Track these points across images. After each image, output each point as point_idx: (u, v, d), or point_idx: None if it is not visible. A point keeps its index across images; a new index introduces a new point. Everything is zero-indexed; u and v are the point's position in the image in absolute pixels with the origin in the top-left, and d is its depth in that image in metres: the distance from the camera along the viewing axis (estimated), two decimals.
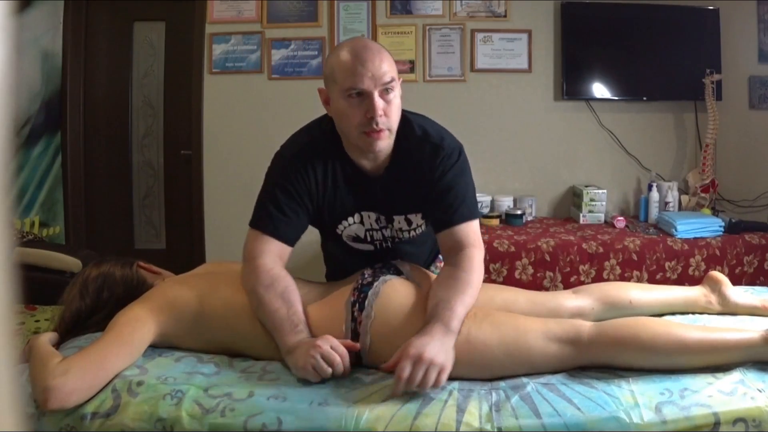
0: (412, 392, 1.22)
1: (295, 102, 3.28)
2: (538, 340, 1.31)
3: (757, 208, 3.16)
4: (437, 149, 1.44)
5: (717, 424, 1.14)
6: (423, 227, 1.54)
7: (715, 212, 3.14)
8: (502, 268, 2.81)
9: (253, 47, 3.43)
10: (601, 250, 2.82)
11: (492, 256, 2.79)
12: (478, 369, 1.30)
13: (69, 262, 2.59)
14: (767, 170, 3.14)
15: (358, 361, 1.36)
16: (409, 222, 1.51)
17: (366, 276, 1.43)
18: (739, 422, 1.14)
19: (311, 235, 1.68)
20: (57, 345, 1.40)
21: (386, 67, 1.35)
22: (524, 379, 1.28)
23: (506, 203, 3.31)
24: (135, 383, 1.25)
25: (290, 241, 1.44)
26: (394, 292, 1.39)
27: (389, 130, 1.38)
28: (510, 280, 2.77)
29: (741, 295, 1.66)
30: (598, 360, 1.31)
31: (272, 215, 1.42)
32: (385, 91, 1.35)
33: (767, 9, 3.10)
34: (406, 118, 1.46)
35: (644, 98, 3.39)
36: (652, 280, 2.79)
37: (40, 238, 3.29)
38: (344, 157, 1.45)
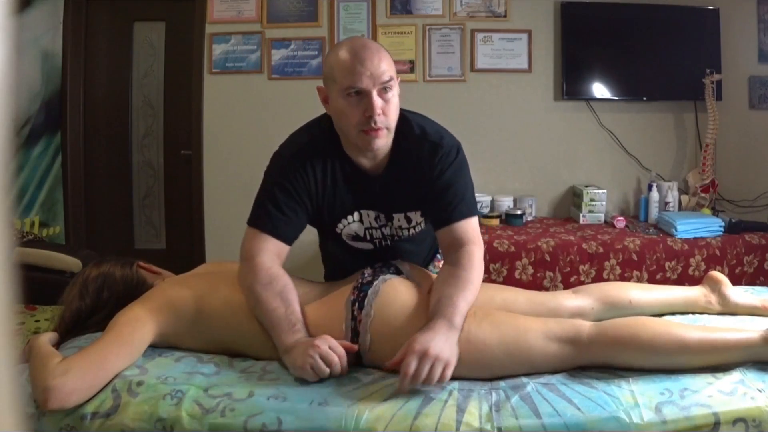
0: (416, 390, 1.22)
1: (295, 102, 3.28)
2: (538, 339, 1.31)
3: (757, 208, 3.16)
4: (436, 147, 1.45)
5: (717, 424, 1.13)
6: (422, 225, 1.54)
7: (715, 212, 3.14)
8: (502, 268, 2.81)
9: (253, 47, 3.43)
10: (601, 250, 2.82)
11: (492, 256, 2.79)
12: (478, 368, 1.31)
13: (69, 262, 2.59)
14: (767, 170, 3.14)
15: (358, 361, 1.36)
16: (408, 220, 1.51)
17: (366, 275, 1.44)
18: (739, 422, 1.14)
19: (310, 236, 1.69)
20: (57, 345, 1.40)
21: (385, 67, 1.36)
22: (524, 379, 1.28)
23: (506, 203, 3.31)
24: (135, 383, 1.25)
25: (288, 240, 1.44)
26: (394, 291, 1.39)
27: (387, 128, 1.39)
28: (510, 280, 2.77)
29: (741, 295, 1.66)
30: (598, 360, 1.31)
31: (271, 214, 1.42)
32: (384, 90, 1.36)
33: (767, 9, 3.10)
34: (405, 117, 1.47)
35: (644, 98, 3.39)
36: (652, 280, 2.79)
37: (40, 238, 3.29)
38: (343, 155, 1.46)
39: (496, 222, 3.16)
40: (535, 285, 2.76)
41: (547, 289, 2.74)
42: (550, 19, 3.39)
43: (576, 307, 1.57)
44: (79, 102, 3.65)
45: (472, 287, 1.37)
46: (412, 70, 3.41)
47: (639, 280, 2.79)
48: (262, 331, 1.37)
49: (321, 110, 1.50)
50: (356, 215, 1.50)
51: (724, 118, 3.17)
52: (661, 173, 3.38)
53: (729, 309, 1.64)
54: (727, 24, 3.29)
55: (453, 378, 1.27)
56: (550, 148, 3.44)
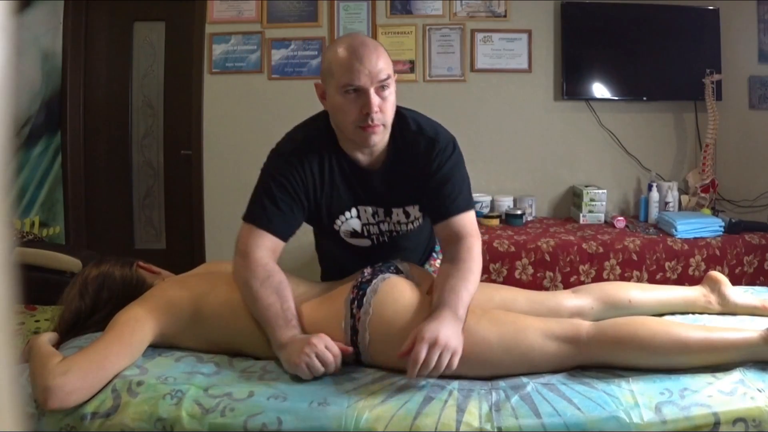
0: (422, 379, 1.23)
1: (295, 102, 3.27)
2: (537, 338, 1.32)
3: (757, 208, 3.16)
4: (433, 143, 1.46)
5: (717, 424, 1.13)
6: (420, 221, 1.55)
7: (715, 212, 3.14)
8: (502, 268, 2.81)
9: (253, 47, 3.43)
10: (601, 250, 2.82)
11: (492, 256, 2.79)
12: (478, 365, 1.31)
13: (69, 262, 2.59)
14: (767, 170, 3.14)
15: (357, 360, 1.36)
16: (407, 214, 1.52)
17: (366, 274, 1.44)
18: (739, 422, 1.14)
19: (309, 237, 1.69)
20: (57, 345, 1.40)
21: (382, 65, 1.37)
22: (524, 379, 1.28)
23: (506, 203, 3.31)
24: (135, 383, 1.25)
25: (284, 236, 1.44)
26: (393, 290, 1.39)
27: (384, 125, 1.40)
28: (510, 280, 2.77)
29: (741, 295, 1.66)
30: (597, 359, 1.31)
31: (267, 210, 1.42)
32: (381, 88, 1.37)
33: (767, 9, 3.10)
34: (401, 113, 1.48)
35: (644, 98, 3.39)
36: (652, 280, 2.80)
37: (40, 238, 3.29)
38: (340, 152, 1.47)
39: (496, 222, 3.16)
40: (535, 285, 2.76)
41: (547, 289, 2.74)
42: (550, 19, 3.39)
43: (575, 306, 1.57)
44: (79, 102, 3.65)
45: (473, 278, 1.39)
46: (412, 70, 3.41)
47: (639, 280, 2.79)
48: (261, 330, 1.37)
49: (321, 110, 1.50)
50: (354, 211, 1.51)
51: (724, 118, 3.17)
52: (661, 173, 3.38)
53: (729, 309, 1.64)
54: (727, 24, 3.29)
55: (453, 377, 1.27)
56: (550, 148, 3.44)
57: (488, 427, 1.15)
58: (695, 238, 2.87)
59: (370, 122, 1.36)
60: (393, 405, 1.20)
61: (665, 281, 2.78)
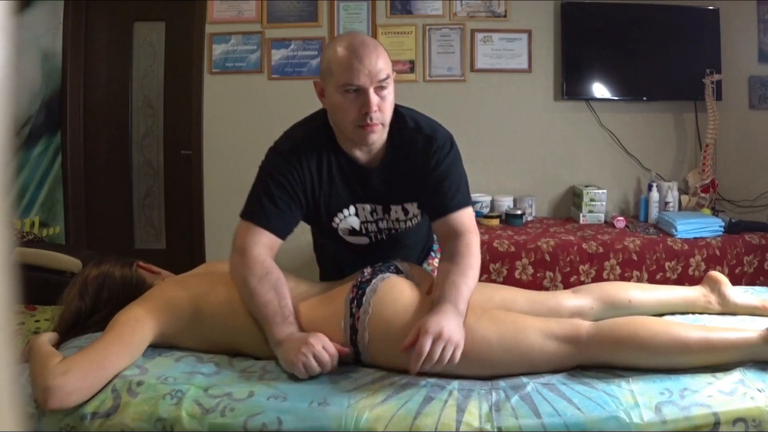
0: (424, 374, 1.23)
1: (295, 102, 3.25)
2: (537, 337, 1.32)
3: (757, 208, 3.16)
4: (431, 140, 1.47)
5: (717, 424, 1.13)
6: (418, 218, 1.55)
7: (715, 212, 3.14)
8: (502, 268, 2.81)
9: (253, 47, 3.43)
10: (601, 250, 2.82)
11: (492, 256, 2.79)
12: (477, 364, 1.31)
13: (69, 262, 2.59)
14: (767, 170, 3.14)
15: (357, 359, 1.36)
16: (405, 212, 1.53)
17: (365, 274, 1.44)
18: (739, 422, 1.14)
19: (308, 236, 1.69)
20: (57, 345, 1.40)
21: (382, 64, 1.37)
22: (524, 379, 1.28)
23: (506, 203, 3.31)
24: (135, 383, 1.25)
25: (282, 233, 1.44)
26: (392, 289, 1.40)
27: (383, 124, 1.41)
28: (510, 280, 2.77)
29: (741, 295, 1.66)
30: (597, 359, 1.31)
31: (265, 207, 1.43)
32: (380, 88, 1.38)
33: (767, 9, 3.10)
34: (399, 111, 1.49)
35: (644, 98, 3.39)
36: (652, 280, 2.80)
37: (40, 238, 3.29)
38: (338, 150, 1.47)
39: (496, 222, 3.16)
40: (535, 285, 2.76)
41: (547, 289, 2.74)
42: (550, 19, 3.39)
43: (575, 306, 1.57)
44: (79, 102, 3.65)
45: (473, 274, 1.39)
46: (412, 70, 3.41)
47: (639, 280, 2.79)
48: (261, 330, 1.37)
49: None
50: (352, 209, 1.52)
51: (724, 118, 3.17)
52: (661, 173, 3.38)
53: (729, 309, 1.64)
54: (727, 24, 3.29)
55: (452, 377, 1.27)
56: (550, 148, 3.44)
57: (488, 427, 1.15)
58: (695, 238, 2.87)
59: (369, 121, 1.37)
60: (393, 405, 1.20)
61: (665, 281, 2.78)
